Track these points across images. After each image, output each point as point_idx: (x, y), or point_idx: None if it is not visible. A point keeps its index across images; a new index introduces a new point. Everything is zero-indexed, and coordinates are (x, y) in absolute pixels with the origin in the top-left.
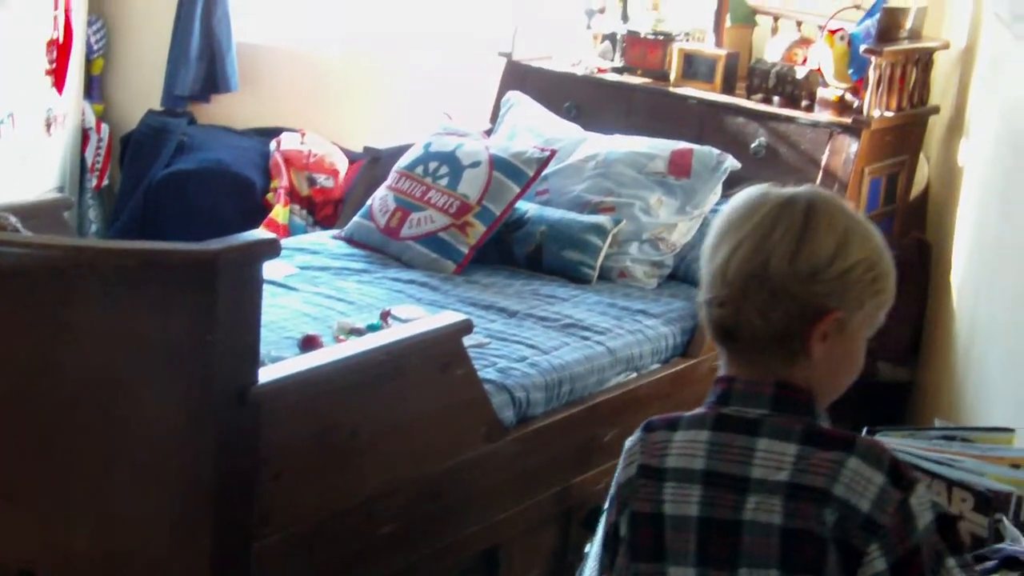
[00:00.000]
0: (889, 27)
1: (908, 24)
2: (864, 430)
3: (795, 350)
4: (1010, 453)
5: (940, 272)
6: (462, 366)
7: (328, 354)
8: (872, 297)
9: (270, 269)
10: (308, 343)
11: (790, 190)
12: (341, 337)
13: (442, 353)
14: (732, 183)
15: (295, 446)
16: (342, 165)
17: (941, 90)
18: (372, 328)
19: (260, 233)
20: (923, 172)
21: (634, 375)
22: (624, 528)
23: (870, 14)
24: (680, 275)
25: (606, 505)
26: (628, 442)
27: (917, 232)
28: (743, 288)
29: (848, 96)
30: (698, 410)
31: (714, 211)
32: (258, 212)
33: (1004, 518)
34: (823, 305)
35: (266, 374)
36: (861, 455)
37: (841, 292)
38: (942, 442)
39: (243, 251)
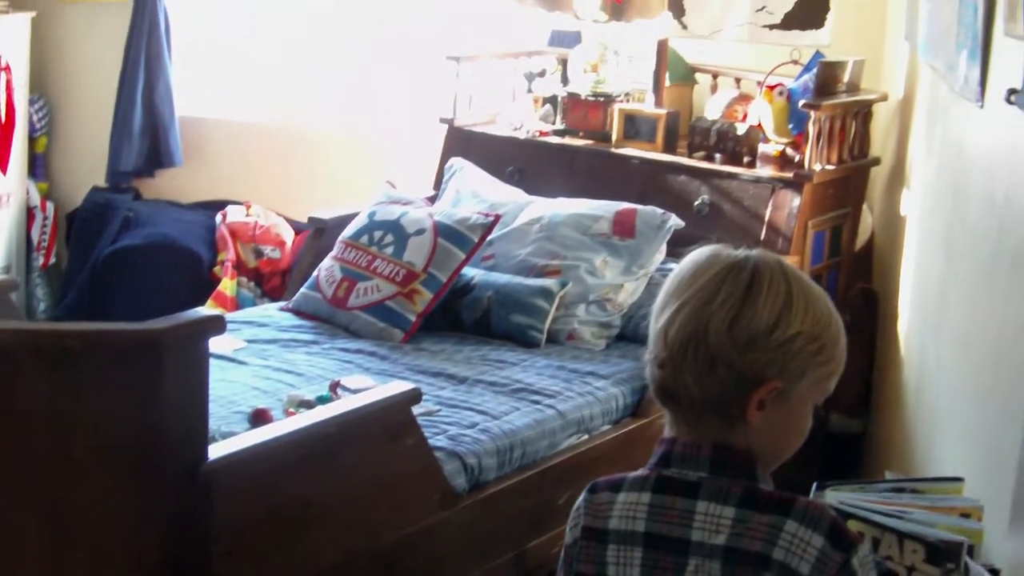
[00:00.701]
0: (827, 81)
1: (846, 77)
2: (815, 484)
3: (732, 416)
4: (960, 502)
5: (888, 322)
6: (412, 435)
7: (277, 428)
8: (816, 367)
9: (218, 343)
10: (258, 417)
11: (741, 253)
12: (291, 410)
13: (392, 423)
14: (677, 241)
15: (247, 522)
16: (288, 236)
17: (882, 141)
18: (322, 400)
19: (204, 311)
20: (867, 223)
21: (585, 437)
22: None
23: (807, 69)
24: (628, 335)
25: (558, 568)
26: (576, 504)
27: (863, 283)
28: (682, 351)
29: (789, 151)
30: (641, 471)
31: (660, 270)
32: (206, 286)
33: (969, 561)
34: (760, 374)
35: (216, 451)
36: (799, 518)
37: (781, 362)
38: (892, 494)
39: (188, 329)
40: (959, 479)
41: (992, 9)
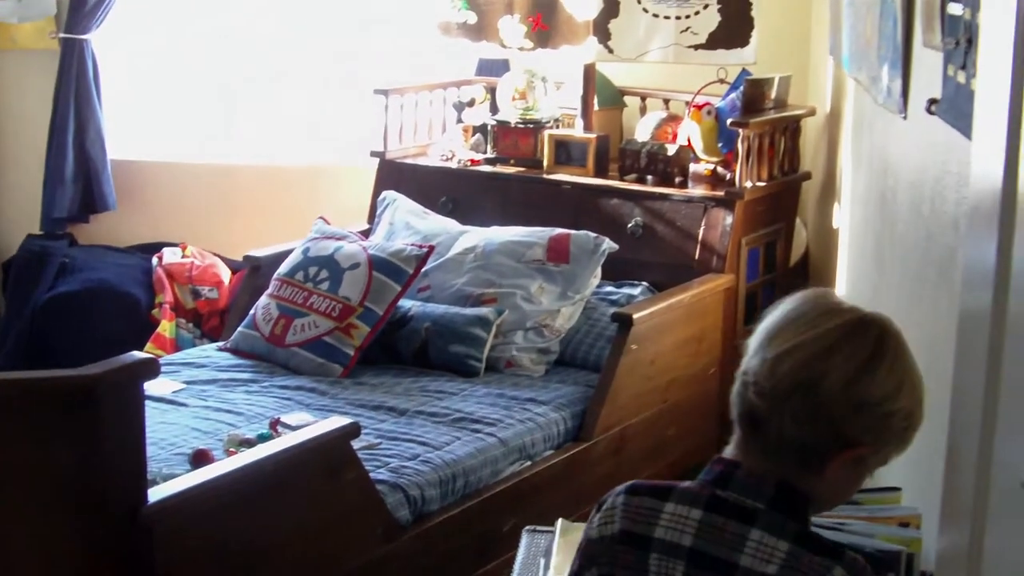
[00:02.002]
0: (754, 98)
1: (773, 94)
2: None
3: (812, 466)
4: (898, 512)
5: None
6: (353, 469)
7: (218, 468)
8: (899, 444)
9: (157, 386)
10: (199, 458)
11: (860, 310)
12: (232, 449)
13: (332, 458)
14: (611, 265)
15: (190, 564)
16: (225, 275)
17: (812, 156)
18: (262, 438)
19: (138, 354)
20: (802, 237)
21: (528, 463)
22: None
23: (734, 87)
24: (567, 360)
25: (575, 558)
26: (607, 500)
27: None
28: (788, 392)
29: (720, 169)
30: (691, 484)
31: (596, 294)
32: (145, 329)
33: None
34: (858, 438)
35: (156, 493)
36: (848, 567)
37: (878, 431)
38: None
39: (122, 373)
40: (896, 489)
41: (911, 21)
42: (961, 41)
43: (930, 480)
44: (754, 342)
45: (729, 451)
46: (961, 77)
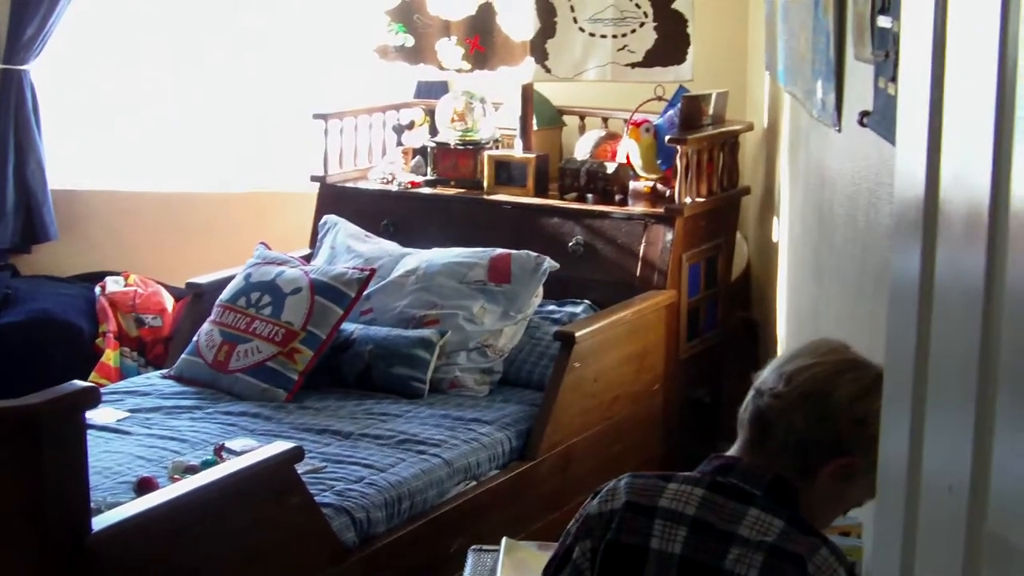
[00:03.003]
0: (692, 115)
1: (711, 110)
2: None
3: (807, 469)
4: (839, 521)
5: (767, 349)
6: (298, 493)
7: (161, 495)
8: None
9: (101, 415)
10: (143, 486)
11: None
12: (176, 476)
13: (276, 483)
14: (553, 283)
15: None
16: (168, 303)
17: (751, 170)
18: (207, 464)
19: (79, 383)
20: (743, 252)
21: (474, 483)
22: (586, 557)
23: (672, 104)
24: (511, 379)
25: (567, 535)
26: (608, 484)
27: (742, 311)
28: (803, 396)
29: (660, 186)
30: (692, 472)
31: (538, 313)
32: (89, 358)
33: None
34: (853, 447)
35: (100, 521)
36: (832, 550)
37: (868, 447)
38: None
39: (63, 403)
40: None
41: (843, 35)
42: (891, 53)
43: None
44: (768, 368)
45: (730, 452)
46: (892, 89)
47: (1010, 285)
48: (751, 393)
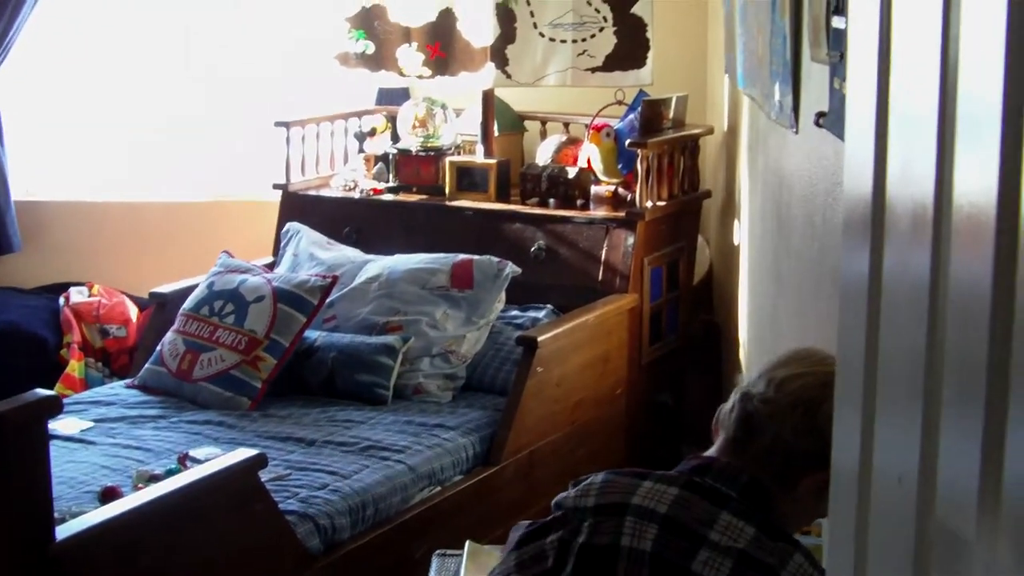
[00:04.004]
0: (652, 119)
1: (671, 114)
2: None
3: (788, 478)
4: None
5: (730, 351)
6: (261, 500)
7: (124, 503)
8: None
9: (65, 425)
10: (107, 495)
11: None
12: (140, 485)
13: (239, 490)
14: (516, 288)
15: None
16: (133, 313)
17: (712, 174)
18: (171, 473)
19: (41, 391)
20: (705, 255)
21: (438, 489)
22: (552, 545)
23: (632, 108)
24: (475, 385)
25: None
26: (587, 478)
27: (705, 315)
28: (793, 404)
29: (621, 190)
30: (669, 472)
31: (501, 318)
32: (54, 369)
33: None
34: None
35: (64, 530)
36: (805, 555)
37: None
38: None
39: (25, 412)
40: None
41: (799, 37)
42: (845, 54)
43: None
44: (755, 373)
45: (709, 452)
46: (846, 89)
47: (953, 283)
48: (737, 396)
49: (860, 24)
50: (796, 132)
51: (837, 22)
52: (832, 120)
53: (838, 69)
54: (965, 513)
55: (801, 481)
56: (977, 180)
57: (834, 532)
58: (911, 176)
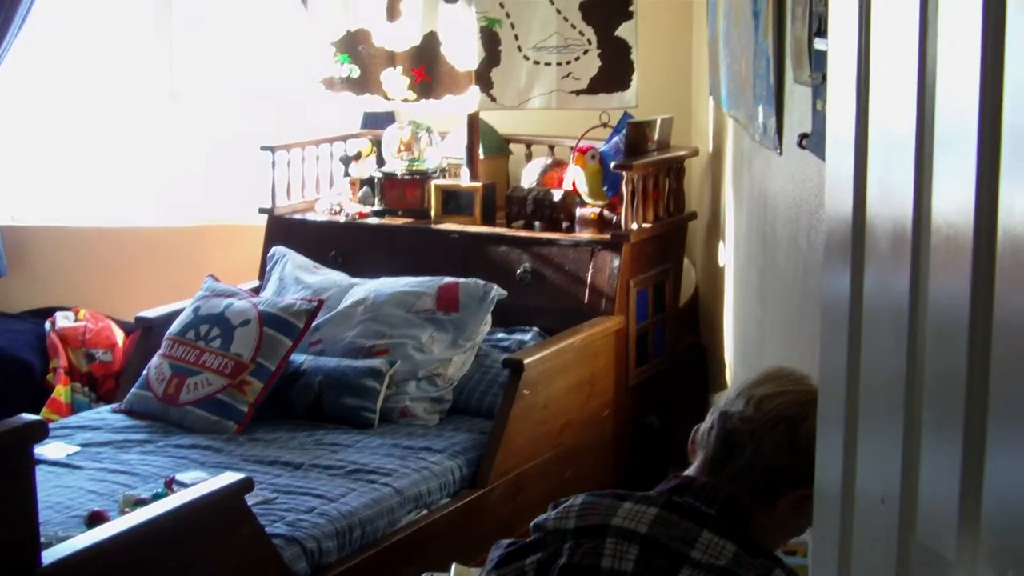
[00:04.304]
0: (637, 141)
1: (655, 136)
2: None
3: (768, 496)
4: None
5: (716, 372)
6: (248, 524)
7: (111, 528)
8: None
9: (51, 450)
10: (94, 520)
11: None
12: (127, 510)
13: (226, 513)
14: (502, 311)
15: None
16: (119, 338)
17: (697, 195)
18: (157, 497)
19: (27, 416)
20: (691, 277)
21: (425, 512)
22: (532, 567)
23: (617, 131)
24: (461, 407)
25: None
26: (566, 500)
27: (691, 336)
28: (774, 422)
29: (606, 212)
30: (649, 492)
31: (487, 341)
32: (40, 394)
33: None
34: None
35: (51, 555)
36: (786, 571)
37: None
38: None
39: (11, 436)
40: None
41: (782, 59)
42: (828, 75)
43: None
44: (732, 392)
45: (688, 472)
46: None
47: (932, 303)
48: (715, 415)
49: (840, 47)
50: (780, 153)
51: (819, 44)
52: (815, 141)
53: (820, 91)
54: (946, 533)
55: (781, 498)
56: (954, 200)
57: (818, 552)
58: (890, 197)
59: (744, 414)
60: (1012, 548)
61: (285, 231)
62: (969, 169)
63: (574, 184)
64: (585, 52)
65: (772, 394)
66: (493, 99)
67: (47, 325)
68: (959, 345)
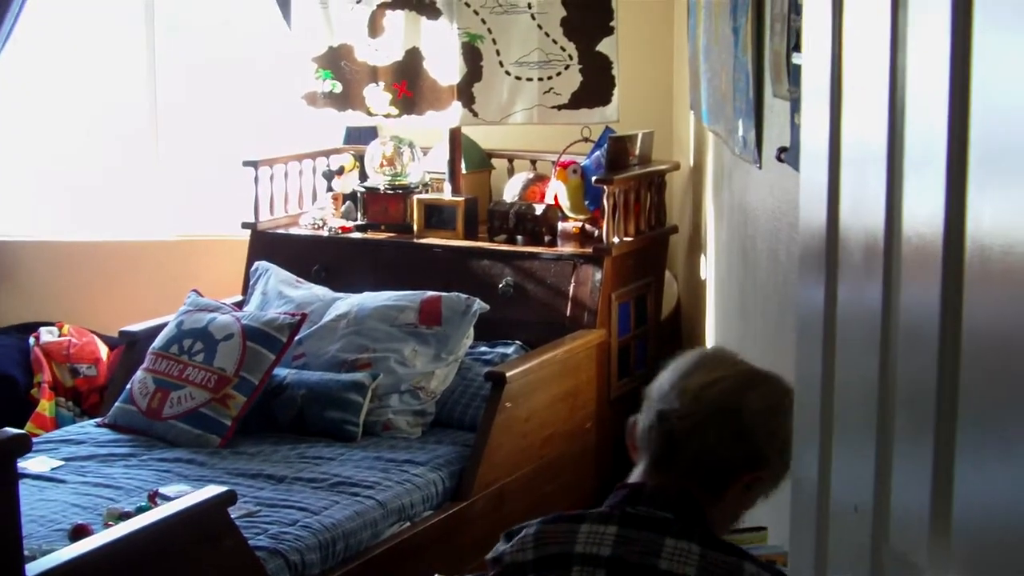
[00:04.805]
0: (618, 155)
1: (637, 150)
2: None
3: (715, 486)
4: (764, 550)
5: None
6: (231, 537)
7: (94, 541)
8: (780, 479)
9: (36, 464)
10: (78, 533)
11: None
12: (110, 523)
13: (208, 526)
14: (484, 324)
15: None
16: (103, 352)
17: (679, 209)
18: (141, 510)
19: (10, 430)
20: (673, 290)
21: (408, 524)
22: None
23: (598, 145)
24: (444, 420)
25: None
26: (520, 531)
27: (674, 349)
28: (714, 414)
29: (588, 226)
30: (601, 508)
31: (469, 354)
32: (24, 409)
33: None
34: (764, 462)
35: (34, 568)
36: (754, 562)
37: (777, 461)
38: None
39: None
40: (763, 528)
41: (761, 74)
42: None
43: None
44: (664, 385)
45: (632, 478)
46: None
47: (903, 313)
48: (653, 417)
49: (813, 63)
50: (760, 167)
51: (797, 59)
52: (794, 155)
53: (799, 105)
54: (918, 540)
55: (729, 489)
56: (924, 213)
57: (794, 561)
58: (863, 209)
59: (682, 411)
60: (983, 554)
61: (268, 246)
62: (938, 182)
63: (556, 198)
64: (566, 67)
65: (707, 383)
66: (475, 114)
67: (31, 340)
68: (929, 354)
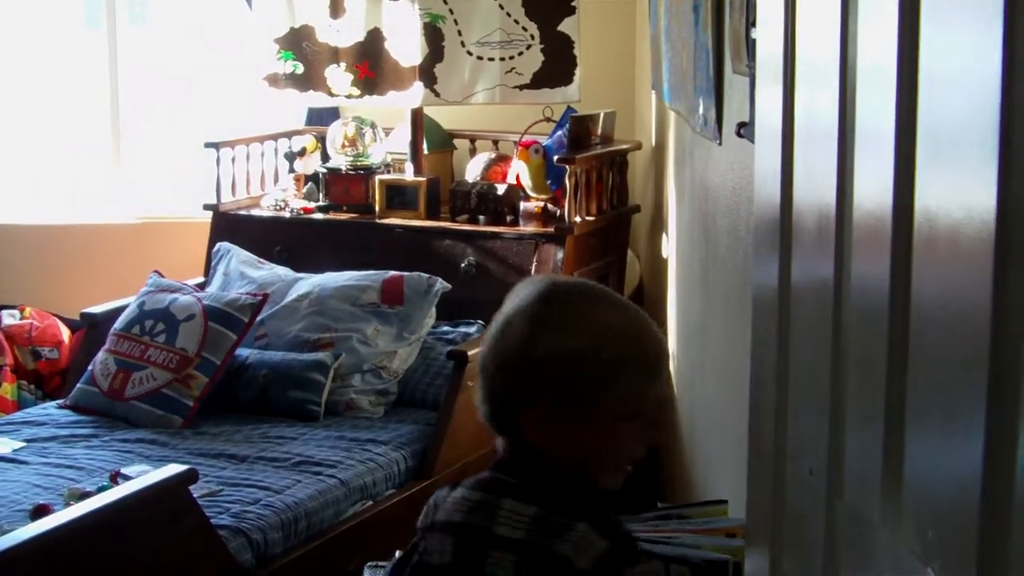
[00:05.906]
0: (580, 135)
1: (599, 130)
2: None
3: (508, 428)
4: (724, 523)
5: None
6: (193, 515)
7: (56, 519)
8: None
9: None
10: (39, 513)
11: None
12: (72, 503)
13: (170, 505)
14: (447, 304)
15: None
16: (65, 335)
17: (641, 188)
18: (103, 490)
19: None
20: (635, 269)
21: (370, 503)
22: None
23: (560, 125)
24: (406, 400)
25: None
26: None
27: None
28: (488, 352)
29: (550, 206)
30: (481, 473)
31: (432, 334)
32: None
33: None
34: (540, 393)
35: None
36: (592, 523)
37: (564, 390)
38: (659, 522)
39: None
40: (723, 501)
41: (721, 51)
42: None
43: None
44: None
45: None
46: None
47: (855, 287)
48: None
49: (767, 40)
50: (720, 144)
51: (756, 33)
52: (752, 130)
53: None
54: (870, 498)
55: (523, 430)
56: (874, 191)
57: (751, 522)
58: (815, 187)
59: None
60: (931, 509)
61: (230, 227)
62: (887, 159)
63: (518, 178)
64: (528, 47)
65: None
66: (437, 94)
67: None
68: (880, 325)
